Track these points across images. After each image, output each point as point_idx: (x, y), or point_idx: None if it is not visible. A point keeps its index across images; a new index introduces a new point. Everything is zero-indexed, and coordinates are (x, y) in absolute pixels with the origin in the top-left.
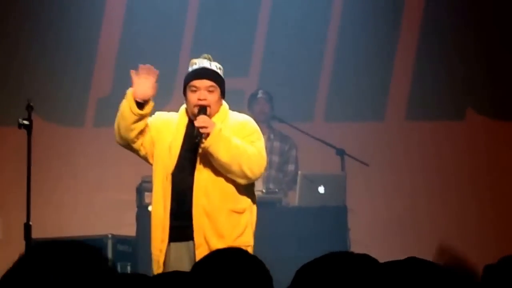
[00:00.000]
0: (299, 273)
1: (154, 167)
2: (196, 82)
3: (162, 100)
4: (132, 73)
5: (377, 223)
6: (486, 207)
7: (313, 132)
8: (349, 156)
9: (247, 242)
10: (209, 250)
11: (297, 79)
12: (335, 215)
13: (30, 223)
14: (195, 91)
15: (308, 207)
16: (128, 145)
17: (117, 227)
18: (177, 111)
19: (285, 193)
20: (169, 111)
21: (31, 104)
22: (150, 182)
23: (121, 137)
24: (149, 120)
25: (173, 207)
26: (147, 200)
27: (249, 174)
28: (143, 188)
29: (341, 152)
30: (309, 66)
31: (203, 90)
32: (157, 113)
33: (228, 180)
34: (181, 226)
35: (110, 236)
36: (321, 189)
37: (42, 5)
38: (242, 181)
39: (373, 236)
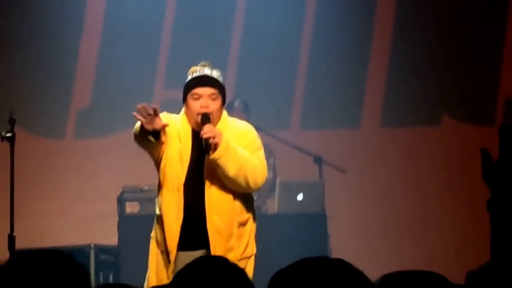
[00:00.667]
0: (273, 279)
1: (164, 174)
2: (199, 90)
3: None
4: (136, 116)
5: (356, 229)
6: (463, 212)
7: (290, 140)
8: (327, 163)
9: (252, 251)
10: None
11: (272, 87)
12: (314, 222)
13: (14, 234)
14: (197, 98)
15: (287, 215)
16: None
17: (99, 237)
18: None
19: (263, 200)
20: None
21: (14, 117)
22: (131, 192)
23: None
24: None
25: (184, 219)
26: (128, 210)
27: (253, 185)
28: (124, 198)
29: (318, 160)
30: (284, 75)
31: (206, 98)
32: (165, 114)
33: (235, 194)
34: (190, 236)
35: (92, 245)
36: (300, 197)
37: (22, 19)
38: (243, 191)
39: (353, 243)
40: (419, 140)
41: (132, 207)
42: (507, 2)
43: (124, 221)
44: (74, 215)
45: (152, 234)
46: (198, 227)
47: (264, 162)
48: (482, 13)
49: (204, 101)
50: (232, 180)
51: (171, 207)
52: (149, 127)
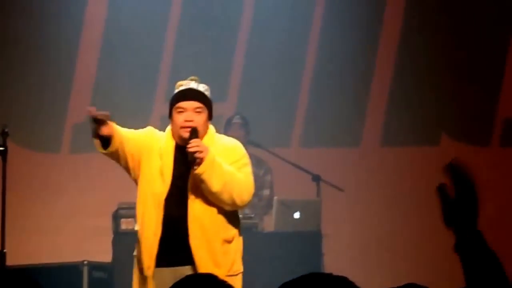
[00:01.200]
0: None
1: (142, 190)
2: (183, 104)
3: (141, 122)
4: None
5: (352, 248)
6: None
7: (290, 158)
8: (325, 181)
9: (239, 269)
10: None
11: (274, 105)
12: (310, 240)
13: (5, 250)
14: (181, 112)
15: (284, 232)
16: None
17: (93, 254)
18: None
19: (260, 217)
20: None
21: (6, 130)
22: (126, 208)
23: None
24: (143, 132)
25: (164, 234)
26: (123, 227)
27: (238, 202)
28: (119, 214)
29: (317, 178)
30: (287, 92)
31: (190, 111)
32: (150, 129)
33: (219, 208)
34: (172, 253)
35: (86, 262)
36: (297, 215)
37: (19, 30)
38: (229, 208)
39: (348, 262)
40: (418, 160)
41: (127, 224)
42: (509, 20)
43: (119, 237)
44: (67, 231)
45: (135, 252)
46: (179, 243)
47: (251, 179)
48: (484, 35)
49: (188, 114)
50: (216, 196)
51: (150, 223)
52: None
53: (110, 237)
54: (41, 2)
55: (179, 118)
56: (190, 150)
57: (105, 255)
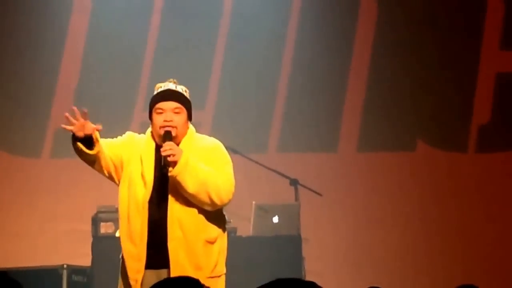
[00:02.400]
0: None
1: (124, 195)
2: (162, 104)
3: (121, 129)
4: (64, 127)
5: (331, 252)
6: (435, 235)
7: (267, 163)
8: (303, 186)
9: (221, 271)
10: None
11: (251, 111)
12: (290, 244)
13: None
14: (160, 113)
15: (263, 237)
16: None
17: (72, 258)
18: None
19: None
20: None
21: None
22: (106, 212)
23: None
24: (122, 138)
25: (149, 237)
26: (102, 230)
27: (217, 201)
28: (99, 218)
29: (294, 183)
30: (263, 99)
31: (169, 112)
32: (129, 134)
33: (200, 209)
34: (155, 255)
35: (65, 266)
36: (275, 219)
37: (3, 36)
38: (209, 209)
39: (327, 265)
40: (394, 165)
41: (106, 227)
42: (482, 29)
43: (98, 241)
44: (47, 235)
45: (121, 255)
46: (162, 246)
47: (231, 178)
48: (457, 42)
49: (167, 115)
50: (193, 197)
51: (136, 227)
52: (80, 133)
53: (89, 241)
54: (26, 11)
55: (159, 119)
56: (163, 154)
57: (84, 259)
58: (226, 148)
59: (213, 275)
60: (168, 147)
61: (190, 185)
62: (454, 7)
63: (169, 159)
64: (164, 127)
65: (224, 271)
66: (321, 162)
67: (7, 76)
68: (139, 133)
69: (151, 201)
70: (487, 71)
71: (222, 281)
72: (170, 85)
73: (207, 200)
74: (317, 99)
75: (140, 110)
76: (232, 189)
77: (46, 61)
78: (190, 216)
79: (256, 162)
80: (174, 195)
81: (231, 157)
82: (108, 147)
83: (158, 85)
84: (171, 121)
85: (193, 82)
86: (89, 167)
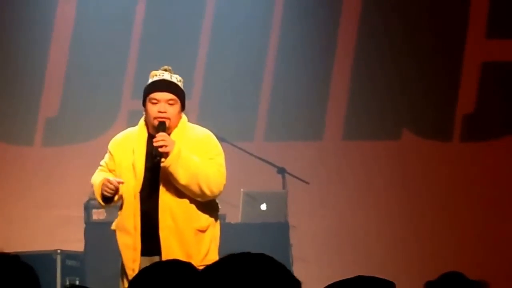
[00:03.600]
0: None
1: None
2: (157, 95)
3: (110, 117)
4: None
5: (318, 238)
6: (421, 223)
7: (254, 152)
8: (290, 174)
9: (213, 259)
10: None
11: (237, 100)
12: (278, 231)
13: None
14: (155, 103)
15: (251, 224)
16: None
17: (65, 243)
18: (124, 128)
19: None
20: (116, 128)
21: None
22: None
23: None
24: (107, 158)
25: (142, 226)
26: (94, 217)
27: (208, 193)
28: (91, 205)
29: (282, 171)
30: (249, 88)
31: (164, 103)
32: (113, 140)
33: (191, 199)
34: (149, 244)
35: (59, 251)
36: (263, 206)
37: None
38: (200, 199)
39: (314, 252)
40: (380, 153)
41: (98, 214)
42: (467, 19)
43: (91, 227)
44: (41, 221)
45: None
46: (154, 234)
47: (222, 169)
48: (442, 30)
49: (161, 106)
50: (185, 187)
51: (129, 218)
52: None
53: (82, 227)
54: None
55: (153, 109)
56: (155, 144)
57: (77, 244)
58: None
59: (204, 263)
60: (160, 138)
61: (182, 177)
62: None
63: (161, 150)
64: (158, 118)
65: (217, 258)
66: (307, 150)
67: None
68: (127, 121)
69: (142, 191)
70: (473, 60)
71: None
72: (165, 75)
73: (198, 191)
74: (303, 88)
75: (127, 98)
76: (223, 180)
77: (35, 50)
78: (181, 206)
79: (244, 150)
80: (165, 185)
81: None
82: (109, 175)
83: (153, 72)
84: (165, 112)
85: (179, 71)
86: (80, 156)
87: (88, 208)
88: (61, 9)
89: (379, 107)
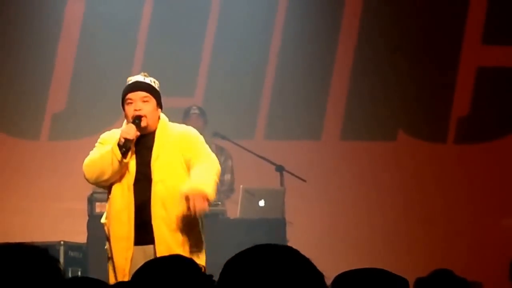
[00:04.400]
0: (227, 265)
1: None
2: (131, 95)
3: (115, 112)
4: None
5: (313, 235)
6: (416, 222)
7: (254, 149)
8: (288, 172)
9: (203, 246)
10: None
11: (239, 99)
12: (274, 227)
13: None
14: (130, 103)
15: (249, 219)
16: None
17: (69, 235)
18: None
19: (223, 202)
20: (121, 123)
21: None
22: (101, 193)
23: (104, 181)
24: (102, 143)
25: (135, 217)
26: (97, 210)
27: (219, 180)
28: (94, 198)
29: (280, 169)
30: (251, 88)
31: (138, 101)
32: (104, 136)
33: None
34: (142, 233)
35: (62, 242)
36: (262, 203)
37: (1, 22)
38: None
39: (310, 248)
40: (376, 154)
41: (101, 207)
42: (463, 23)
43: (94, 220)
44: (46, 213)
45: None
46: (147, 224)
47: (211, 154)
48: (439, 37)
49: (137, 104)
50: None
51: (123, 209)
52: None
53: (85, 219)
54: None
55: (129, 109)
56: (122, 135)
57: (80, 236)
58: (216, 134)
59: (195, 249)
60: (126, 129)
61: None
62: (438, 0)
63: (138, 113)
64: (134, 116)
65: (204, 246)
66: (306, 149)
67: (6, 61)
68: None
69: (136, 185)
70: (468, 64)
71: (203, 255)
72: (139, 77)
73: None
74: (303, 89)
75: None
76: (217, 160)
77: (44, 46)
78: (172, 196)
79: (244, 148)
80: (157, 179)
81: (220, 143)
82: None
83: (129, 78)
84: (140, 109)
85: (183, 69)
86: (85, 150)
87: (91, 201)
88: (70, 6)
89: (376, 108)
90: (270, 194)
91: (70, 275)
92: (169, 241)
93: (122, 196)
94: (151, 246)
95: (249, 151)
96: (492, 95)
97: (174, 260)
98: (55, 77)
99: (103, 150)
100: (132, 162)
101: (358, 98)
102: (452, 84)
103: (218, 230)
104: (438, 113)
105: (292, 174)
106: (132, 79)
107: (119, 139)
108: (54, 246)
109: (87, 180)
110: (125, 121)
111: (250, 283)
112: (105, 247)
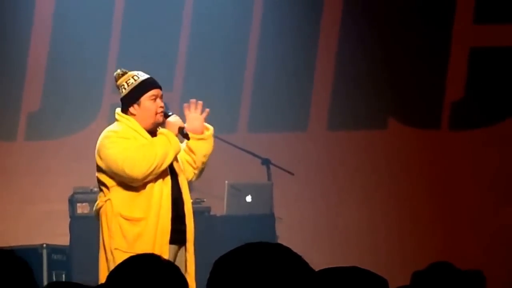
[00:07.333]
0: (216, 264)
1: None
2: (156, 91)
3: (92, 111)
4: (185, 107)
5: (304, 230)
6: (407, 214)
7: (238, 143)
8: (275, 165)
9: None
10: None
11: (219, 92)
12: (263, 223)
13: None
14: (154, 99)
15: (236, 216)
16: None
17: (51, 237)
18: (105, 122)
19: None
20: (98, 122)
21: None
22: (82, 193)
23: (154, 174)
24: (127, 138)
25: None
26: (79, 211)
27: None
28: (75, 199)
29: (266, 162)
30: (231, 78)
31: (159, 98)
32: (121, 132)
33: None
34: (177, 230)
35: (45, 245)
36: (249, 198)
37: None
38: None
39: (300, 243)
40: (366, 143)
41: (82, 208)
42: (454, 4)
43: (76, 221)
44: (26, 216)
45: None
46: (182, 219)
47: None
48: (429, 18)
49: (160, 101)
50: (206, 158)
51: (159, 206)
52: (191, 126)
53: (67, 221)
54: None
55: (154, 105)
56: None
57: (63, 238)
58: None
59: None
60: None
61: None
62: None
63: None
64: (159, 113)
65: None
66: (292, 141)
67: None
68: (109, 114)
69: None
70: (461, 45)
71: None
72: (145, 74)
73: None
74: (286, 78)
75: (109, 92)
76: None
77: (16, 46)
78: (187, 190)
79: (228, 142)
80: (179, 174)
81: None
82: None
83: (133, 73)
84: (163, 106)
85: (160, 63)
86: (63, 149)
87: (72, 202)
88: (40, 2)
89: (364, 95)
90: (257, 189)
91: (54, 278)
92: (192, 236)
93: (164, 192)
94: (181, 245)
95: (233, 145)
96: (487, 77)
97: (151, 260)
98: (29, 76)
99: (146, 141)
100: None
101: (345, 86)
102: (444, 67)
103: (204, 228)
104: (430, 97)
105: (279, 168)
106: (140, 75)
107: (179, 127)
108: (37, 249)
109: (137, 175)
110: (129, 122)
111: (241, 282)
112: (115, 247)
